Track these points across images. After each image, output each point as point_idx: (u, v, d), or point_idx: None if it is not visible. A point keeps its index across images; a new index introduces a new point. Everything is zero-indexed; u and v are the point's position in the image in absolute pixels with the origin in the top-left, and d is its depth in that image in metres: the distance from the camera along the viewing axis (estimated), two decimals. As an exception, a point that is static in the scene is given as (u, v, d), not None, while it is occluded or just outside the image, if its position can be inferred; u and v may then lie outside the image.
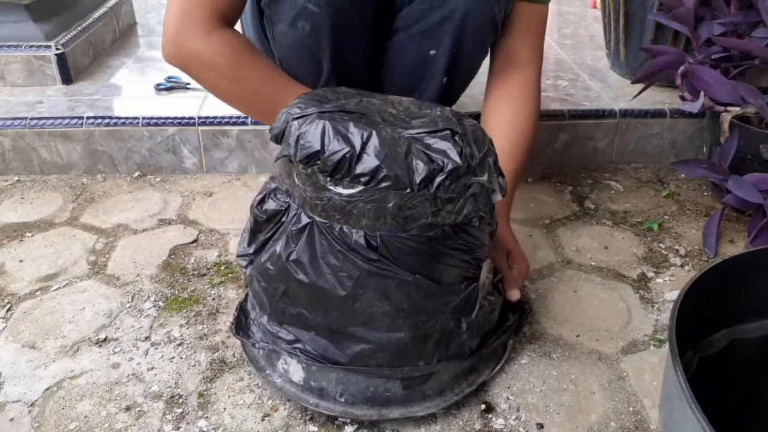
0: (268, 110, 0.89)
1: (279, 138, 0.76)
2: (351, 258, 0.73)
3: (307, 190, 0.73)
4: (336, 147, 0.70)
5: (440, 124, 0.75)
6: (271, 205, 0.80)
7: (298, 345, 0.80)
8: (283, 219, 0.78)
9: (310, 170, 0.72)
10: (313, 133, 0.71)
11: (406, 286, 0.74)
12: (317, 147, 0.70)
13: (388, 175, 0.69)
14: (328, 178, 0.71)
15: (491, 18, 0.99)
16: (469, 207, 0.74)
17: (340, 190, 0.71)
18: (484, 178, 0.74)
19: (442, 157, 0.71)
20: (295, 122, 0.74)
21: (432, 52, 1.01)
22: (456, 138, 0.73)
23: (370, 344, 0.77)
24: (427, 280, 0.75)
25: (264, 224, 0.81)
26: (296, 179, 0.74)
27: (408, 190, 0.70)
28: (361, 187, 0.70)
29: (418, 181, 0.69)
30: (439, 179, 0.70)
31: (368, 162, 0.69)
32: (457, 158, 0.71)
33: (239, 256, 0.86)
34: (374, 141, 0.70)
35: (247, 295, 0.93)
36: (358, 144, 0.70)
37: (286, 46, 0.98)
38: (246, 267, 0.86)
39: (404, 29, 1.01)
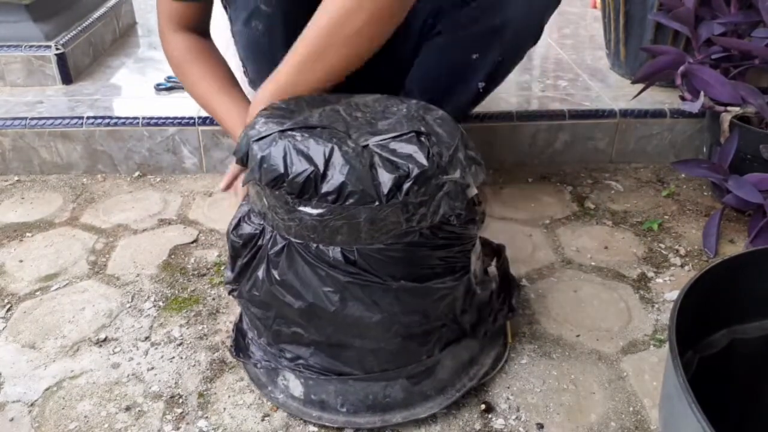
0: (204, 107, 1.05)
1: (244, 161, 0.75)
2: (332, 274, 0.72)
3: (278, 212, 0.72)
4: (299, 168, 0.68)
5: (406, 125, 0.74)
6: (246, 228, 0.78)
7: (300, 361, 0.80)
8: (260, 242, 0.77)
9: (277, 192, 0.71)
10: (275, 155, 0.70)
11: (392, 293, 0.73)
12: (281, 169, 0.69)
13: (354, 191, 0.68)
14: (296, 200, 0.70)
15: (540, 26, 0.98)
16: (444, 206, 0.73)
17: (309, 210, 0.70)
18: (456, 174, 0.72)
19: (408, 162, 0.69)
20: (256, 144, 0.73)
21: (474, 56, 0.99)
22: (422, 139, 0.71)
23: (371, 352, 0.77)
24: (413, 283, 0.74)
25: (241, 249, 0.79)
26: (266, 201, 0.73)
27: (376, 203, 0.68)
28: (329, 206, 0.69)
29: (385, 192, 0.68)
30: (407, 185, 0.68)
31: (333, 179, 0.68)
32: (423, 161, 0.69)
33: (227, 283, 0.84)
34: (336, 157, 0.69)
35: (241, 315, 0.91)
36: (320, 162, 0.69)
37: (243, 45, 0.99)
38: (231, 294, 0.85)
39: (450, 32, 0.99)
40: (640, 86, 1.33)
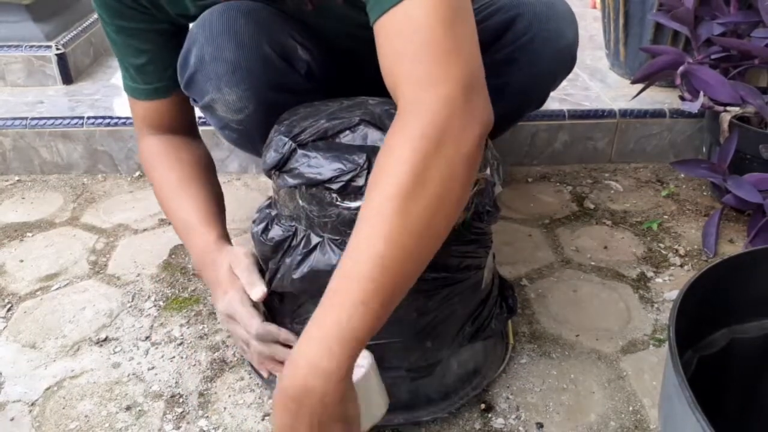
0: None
1: (280, 165, 0.75)
2: None
3: (312, 210, 0.72)
4: (343, 167, 0.69)
5: None
6: (277, 232, 0.78)
7: None
8: (293, 243, 0.76)
9: (314, 189, 0.71)
10: (316, 155, 0.71)
11: (423, 284, 0.73)
12: (325, 169, 0.70)
13: None
14: (335, 195, 0.70)
15: (542, 98, 0.99)
16: (477, 203, 0.75)
17: (348, 204, 0.70)
18: (488, 172, 0.74)
19: None
20: (297, 150, 0.73)
21: None
22: None
23: (386, 345, 0.76)
24: (442, 273, 0.75)
25: (271, 253, 0.78)
26: (300, 201, 0.73)
27: None
28: None
29: None
30: None
31: None
32: None
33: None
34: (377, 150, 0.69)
35: None
36: (361, 159, 0.69)
37: (224, 139, 0.95)
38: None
39: None
40: (640, 86, 1.33)
